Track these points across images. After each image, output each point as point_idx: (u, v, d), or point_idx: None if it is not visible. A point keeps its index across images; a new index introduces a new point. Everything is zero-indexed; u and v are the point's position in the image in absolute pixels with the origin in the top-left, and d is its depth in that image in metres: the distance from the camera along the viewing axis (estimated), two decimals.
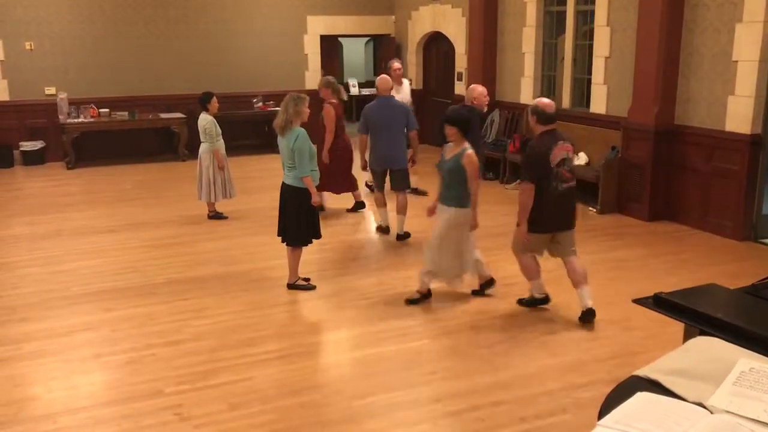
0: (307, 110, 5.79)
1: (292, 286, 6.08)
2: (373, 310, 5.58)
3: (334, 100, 8.05)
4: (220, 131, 8.09)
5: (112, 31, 12.20)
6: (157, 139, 12.52)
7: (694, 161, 7.89)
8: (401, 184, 7.49)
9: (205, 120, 8.03)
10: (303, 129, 5.74)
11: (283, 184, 5.91)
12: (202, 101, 8.11)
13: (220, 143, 8.12)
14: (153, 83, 12.53)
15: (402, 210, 7.41)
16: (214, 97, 8.14)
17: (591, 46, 9.38)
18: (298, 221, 5.84)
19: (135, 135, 12.26)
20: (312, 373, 4.63)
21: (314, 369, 4.69)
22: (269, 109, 12.83)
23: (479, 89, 7.12)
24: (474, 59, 11.64)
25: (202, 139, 8.12)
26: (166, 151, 12.47)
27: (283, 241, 6.02)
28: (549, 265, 6.32)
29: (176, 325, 5.37)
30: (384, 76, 7.88)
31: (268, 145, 13.00)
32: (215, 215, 8.32)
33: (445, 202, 5.60)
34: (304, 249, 6.07)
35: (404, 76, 9.52)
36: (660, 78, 7.97)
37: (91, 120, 11.70)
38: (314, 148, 5.85)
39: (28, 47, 11.73)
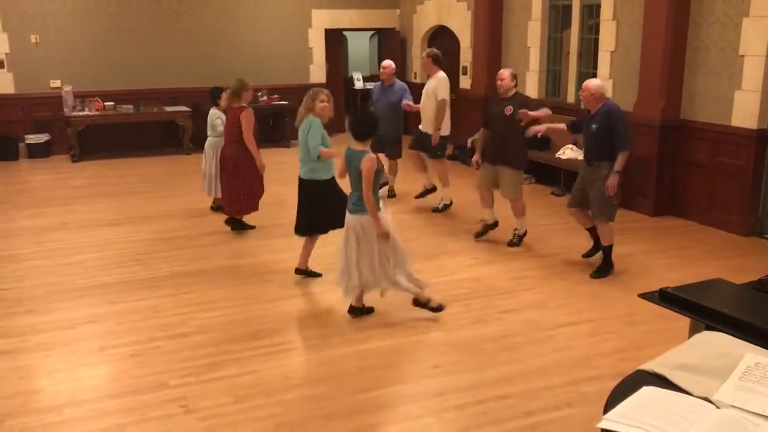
0: (321, 104, 5.82)
1: (300, 272, 6.17)
2: (377, 303, 5.57)
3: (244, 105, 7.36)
4: None
5: (117, 24, 12.20)
6: (162, 133, 12.53)
7: (700, 156, 7.87)
8: None
9: (215, 114, 8.02)
10: (317, 119, 5.82)
11: (300, 179, 5.99)
12: (213, 96, 8.09)
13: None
14: (158, 76, 12.53)
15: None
16: (225, 93, 8.02)
17: (597, 41, 9.35)
18: (318, 211, 5.95)
19: (140, 128, 12.27)
20: (316, 366, 4.64)
21: (319, 362, 4.69)
22: (274, 102, 12.84)
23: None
24: (479, 53, 11.61)
25: (209, 134, 8.12)
26: (170, 144, 12.48)
27: (302, 234, 6.12)
28: (549, 261, 6.34)
29: (181, 317, 5.38)
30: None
31: (273, 139, 13.03)
32: (218, 208, 8.34)
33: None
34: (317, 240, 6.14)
35: (426, 67, 8.44)
36: (666, 72, 7.95)
37: (96, 113, 11.71)
38: (328, 139, 5.93)
39: (33, 40, 11.73)
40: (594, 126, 6.06)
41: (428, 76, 8.44)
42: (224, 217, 7.79)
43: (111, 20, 12.15)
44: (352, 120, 5.14)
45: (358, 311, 5.37)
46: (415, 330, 5.15)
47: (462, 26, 12.36)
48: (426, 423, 3.95)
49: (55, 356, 4.76)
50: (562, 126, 6.81)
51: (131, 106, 11.95)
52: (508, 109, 6.75)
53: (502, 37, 11.33)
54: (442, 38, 13.29)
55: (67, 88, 11.66)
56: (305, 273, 6.21)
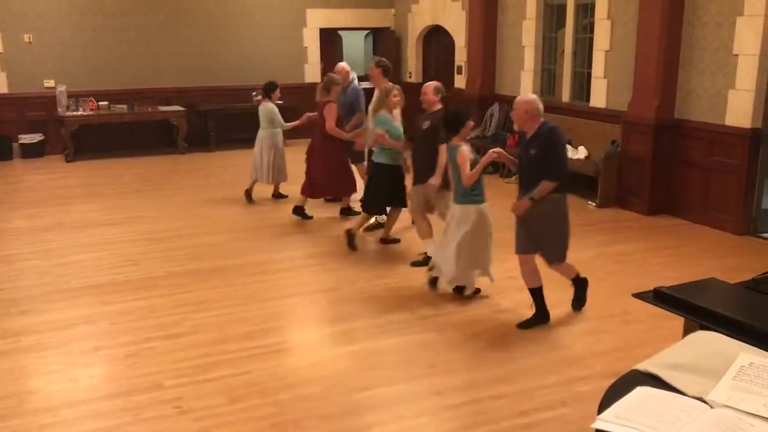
0: (394, 99, 6.65)
1: (386, 241, 7.13)
2: (372, 303, 5.58)
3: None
4: None
5: (111, 23, 12.17)
6: (156, 132, 12.51)
7: (694, 155, 7.89)
8: None
9: (273, 108, 8.68)
10: (384, 114, 6.63)
11: (374, 162, 6.82)
12: (268, 90, 8.76)
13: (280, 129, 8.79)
14: (152, 76, 12.51)
15: None
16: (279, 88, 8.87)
17: (591, 40, 9.36)
18: (386, 192, 6.77)
19: (134, 128, 12.25)
20: (312, 366, 4.63)
21: (314, 362, 4.69)
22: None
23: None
24: (474, 53, 11.61)
25: (263, 126, 8.70)
26: (165, 144, 12.46)
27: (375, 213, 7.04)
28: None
29: (176, 318, 5.37)
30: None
31: None
32: (278, 195, 8.99)
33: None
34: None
35: (375, 78, 7.63)
36: (660, 72, 7.96)
37: (90, 113, 11.69)
38: (397, 130, 6.63)
39: (27, 40, 11.70)
40: (533, 151, 4.99)
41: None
42: (220, 215, 7.77)
43: (105, 19, 12.12)
44: (443, 117, 5.61)
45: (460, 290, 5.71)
46: (410, 330, 5.14)
47: (457, 25, 12.36)
48: (421, 423, 3.95)
49: (50, 357, 4.75)
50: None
51: (125, 106, 11.93)
52: (425, 124, 6.32)
53: (496, 36, 11.34)
54: (437, 37, 13.31)
55: (61, 88, 11.62)
56: (390, 241, 7.08)
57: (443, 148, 5.86)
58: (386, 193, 6.76)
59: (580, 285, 5.50)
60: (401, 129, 6.71)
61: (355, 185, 7.91)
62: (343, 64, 8.76)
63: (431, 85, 6.48)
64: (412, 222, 6.90)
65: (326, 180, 7.78)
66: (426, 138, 6.26)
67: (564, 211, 5.14)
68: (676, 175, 8.13)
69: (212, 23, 12.86)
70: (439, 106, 6.40)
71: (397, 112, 6.91)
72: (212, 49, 12.84)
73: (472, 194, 5.43)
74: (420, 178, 6.35)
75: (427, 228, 6.51)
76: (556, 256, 5.23)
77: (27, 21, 11.66)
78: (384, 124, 6.56)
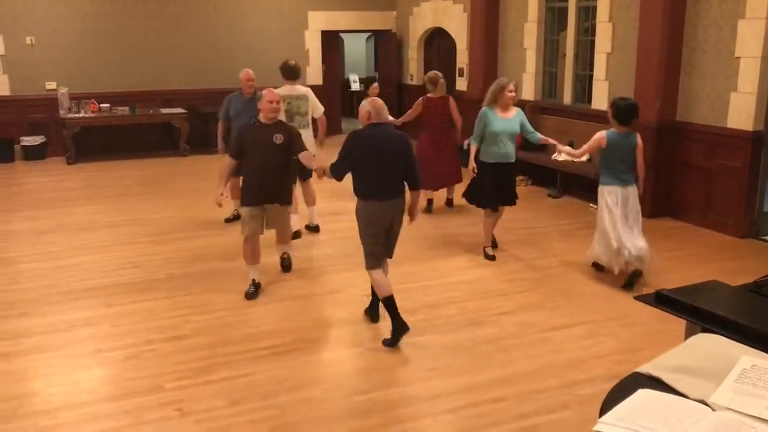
0: (510, 94, 6.55)
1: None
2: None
3: (429, 94, 8.42)
4: None
5: (113, 25, 12.19)
6: (158, 134, 12.52)
7: (696, 158, 7.88)
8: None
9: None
10: (485, 109, 6.63)
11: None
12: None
13: None
14: (154, 78, 12.53)
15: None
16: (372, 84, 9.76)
17: (593, 42, 9.36)
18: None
19: (136, 130, 12.26)
20: (312, 368, 4.63)
21: (314, 365, 4.68)
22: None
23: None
24: (475, 55, 11.61)
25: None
26: (166, 146, 12.47)
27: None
28: (544, 263, 6.30)
29: (177, 320, 5.36)
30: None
31: None
32: None
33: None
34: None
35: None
36: (662, 74, 7.96)
37: (92, 115, 11.70)
38: (493, 125, 6.55)
39: (28, 42, 11.72)
40: None
41: None
42: (220, 219, 7.77)
43: (106, 22, 12.14)
44: (616, 108, 5.94)
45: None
46: (410, 332, 5.12)
47: (458, 28, 12.37)
48: (421, 425, 3.94)
49: (50, 359, 4.74)
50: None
51: (127, 108, 11.94)
52: (278, 138, 5.65)
53: (498, 38, 11.34)
54: (438, 40, 13.31)
55: (63, 90, 11.64)
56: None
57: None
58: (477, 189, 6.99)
59: (381, 303, 5.08)
60: (503, 125, 6.54)
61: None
62: (249, 71, 8.00)
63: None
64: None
65: (456, 170, 8.48)
66: (280, 152, 5.69)
67: (362, 218, 4.95)
68: (678, 178, 8.12)
69: (214, 25, 12.87)
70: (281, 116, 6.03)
71: (515, 110, 6.70)
72: (214, 51, 12.85)
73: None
74: (268, 197, 5.73)
75: (258, 253, 5.90)
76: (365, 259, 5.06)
77: (29, 23, 11.68)
78: (479, 118, 6.61)
